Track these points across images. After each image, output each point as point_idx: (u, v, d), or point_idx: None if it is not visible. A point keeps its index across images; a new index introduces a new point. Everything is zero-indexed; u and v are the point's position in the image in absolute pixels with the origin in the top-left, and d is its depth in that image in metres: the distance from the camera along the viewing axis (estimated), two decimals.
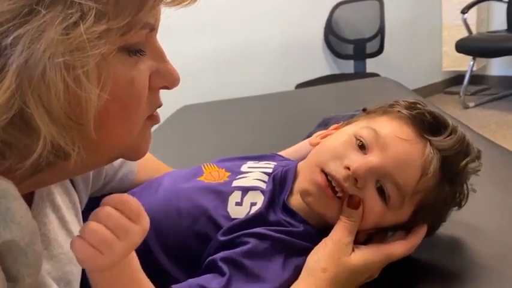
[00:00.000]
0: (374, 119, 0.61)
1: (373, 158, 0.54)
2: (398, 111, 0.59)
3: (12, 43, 0.30)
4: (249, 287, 0.51)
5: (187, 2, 0.39)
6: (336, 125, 0.67)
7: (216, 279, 0.51)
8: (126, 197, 0.40)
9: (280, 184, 0.60)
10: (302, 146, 0.74)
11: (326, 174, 0.55)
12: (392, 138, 0.56)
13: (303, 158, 0.69)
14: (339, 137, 0.60)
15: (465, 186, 0.59)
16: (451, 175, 0.56)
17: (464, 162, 0.56)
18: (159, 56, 0.42)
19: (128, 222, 0.39)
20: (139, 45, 0.38)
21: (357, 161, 0.54)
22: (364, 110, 0.65)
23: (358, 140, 0.56)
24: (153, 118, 0.44)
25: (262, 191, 0.59)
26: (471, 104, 3.41)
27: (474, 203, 0.60)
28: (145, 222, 0.40)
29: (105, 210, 0.39)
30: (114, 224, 0.38)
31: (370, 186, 0.54)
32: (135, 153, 0.45)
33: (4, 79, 0.30)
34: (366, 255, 0.54)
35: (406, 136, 0.56)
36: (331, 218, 0.56)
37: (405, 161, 0.55)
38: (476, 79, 3.76)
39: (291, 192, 0.60)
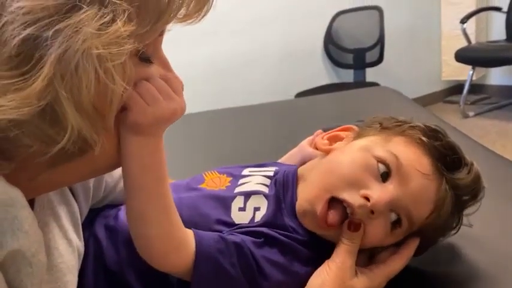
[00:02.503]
0: (391, 140, 0.58)
1: (392, 190, 0.53)
2: (420, 138, 0.57)
3: (52, 35, 0.33)
4: (255, 269, 0.52)
5: (192, 21, 0.42)
6: (344, 126, 0.65)
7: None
8: (172, 75, 0.45)
9: (283, 187, 0.60)
10: (292, 155, 0.73)
11: (329, 203, 0.54)
12: (412, 171, 0.54)
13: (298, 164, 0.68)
14: (354, 156, 0.57)
15: (462, 216, 0.59)
16: (457, 210, 0.57)
17: (472, 202, 0.57)
18: (165, 65, 0.45)
19: (171, 91, 0.44)
20: (149, 52, 0.41)
21: (376, 192, 0.52)
22: (380, 124, 0.62)
23: (381, 164, 0.54)
24: None
25: (265, 195, 0.59)
26: (471, 113, 3.42)
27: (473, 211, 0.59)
28: (184, 102, 0.45)
29: (156, 78, 0.43)
30: (161, 86, 0.43)
31: (381, 215, 0.54)
32: None
33: (43, 68, 0.33)
34: (368, 279, 0.54)
35: (425, 170, 0.54)
36: (329, 238, 0.56)
37: (422, 196, 0.54)
38: (476, 88, 3.78)
39: (296, 197, 0.59)
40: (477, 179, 0.56)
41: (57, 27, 0.33)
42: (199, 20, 0.42)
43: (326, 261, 0.54)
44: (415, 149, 0.56)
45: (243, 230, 0.54)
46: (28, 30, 0.32)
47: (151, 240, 0.48)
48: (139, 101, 0.42)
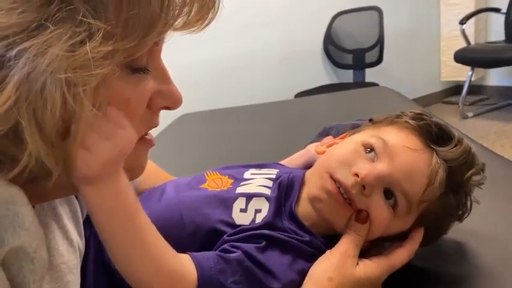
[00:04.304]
0: (381, 129, 0.61)
1: (381, 166, 0.55)
2: (406, 121, 0.59)
3: (16, 55, 0.30)
4: (262, 276, 0.51)
5: (194, 29, 0.39)
6: (342, 135, 0.67)
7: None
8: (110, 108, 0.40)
9: (286, 191, 0.60)
10: (299, 155, 0.74)
11: (335, 181, 0.55)
12: (400, 147, 0.56)
13: (300, 167, 0.69)
14: (347, 145, 0.60)
15: (469, 199, 0.59)
16: (455, 186, 0.57)
17: (469, 173, 0.57)
18: (163, 76, 0.42)
19: (112, 125, 0.38)
20: (142, 63, 0.39)
21: (366, 168, 0.54)
22: (370, 120, 0.66)
23: (367, 147, 0.57)
24: (147, 142, 0.44)
25: (267, 198, 0.59)
26: (470, 114, 3.43)
27: (473, 211, 0.60)
28: (132, 130, 0.40)
29: None
30: (99, 127, 0.37)
31: (377, 194, 0.55)
32: (129, 175, 0.45)
33: (4, 91, 0.30)
34: (369, 269, 0.54)
35: (413, 145, 0.56)
36: (339, 226, 0.56)
37: (412, 169, 0.55)
38: (475, 89, 3.78)
39: (297, 200, 0.59)
40: (468, 151, 0.57)
41: (21, 46, 0.30)
42: (203, 28, 0.40)
43: (329, 250, 0.55)
44: (402, 131, 0.59)
45: (244, 235, 0.54)
46: None
47: (147, 280, 0.46)
48: (80, 152, 0.37)
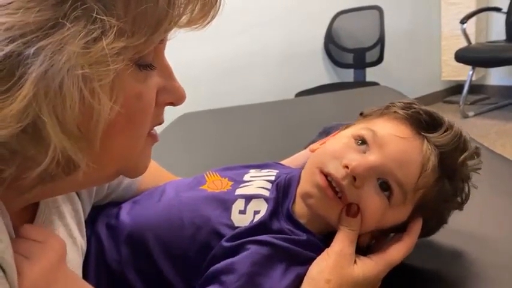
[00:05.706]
0: (371, 121, 0.62)
1: (372, 157, 0.55)
2: (395, 111, 0.60)
3: (34, 53, 0.31)
4: None
5: (196, 26, 0.40)
6: (335, 132, 0.67)
7: None
8: (26, 225, 0.43)
9: (283, 191, 0.60)
10: (300, 155, 0.74)
11: (326, 175, 0.55)
12: (389, 137, 0.56)
13: (301, 167, 0.69)
14: (338, 140, 0.60)
15: (466, 185, 0.59)
16: (449, 171, 0.57)
17: (462, 157, 0.57)
18: (167, 73, 0.44)
19: (30, 242, 0.41)
20: (149, 60, 0.40)
21: (356, 159, 0.54)
22: (361, 114, 0.66)
23: (357, 139, 0.57)
24: (153, 136, 0.45)
25: (266, 199, 0.59)
26: (470, 113, 3.43)
27: (474, 210, 0.60)
28: (50, 238, 0.43)
29: (19, 240, 0.40)
30: (17, 246, 0.39)
31: (369, 186, 0.54)
32: (134, 171, 0.47)
33: (22, 87, 0.31)
34: (367, 267, 0.54)
35: (403, 134, 0.57)
36: (333, 221, 0.56)
37: (404, 158, 0.55)
38: (476, 88, 3.79)
39: (294, 200, 0.59)
40: (458, 135, 0.57)
41: (39, 44, 0.31)
42: (205, 26, 0.41)
43: (326, 250, 0.54)
44: (391, 121, 0.59)
45: (240, 242, 0.54)
46: (10, 47, 0.31)
47: None
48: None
